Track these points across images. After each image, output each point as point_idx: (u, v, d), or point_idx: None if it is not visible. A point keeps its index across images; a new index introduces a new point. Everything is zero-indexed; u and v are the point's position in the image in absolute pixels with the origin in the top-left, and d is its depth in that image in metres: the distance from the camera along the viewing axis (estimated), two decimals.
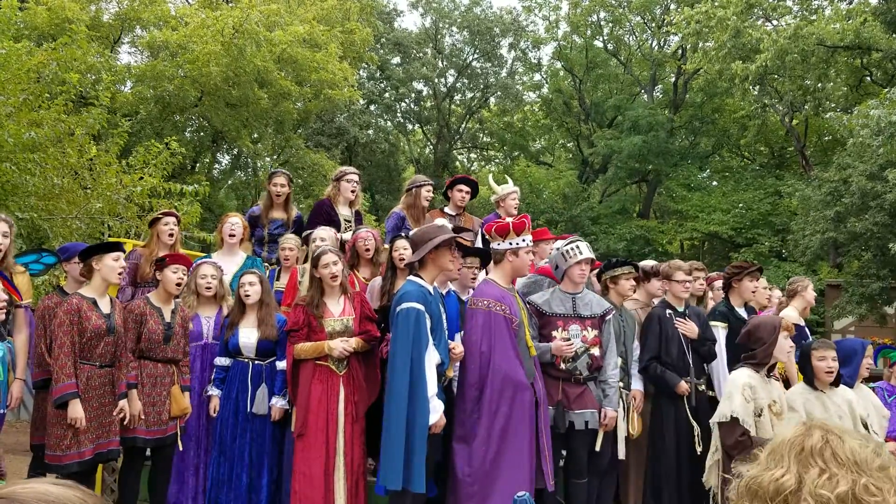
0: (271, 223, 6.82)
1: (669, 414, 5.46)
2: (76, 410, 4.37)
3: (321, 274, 4.95)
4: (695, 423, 5.38)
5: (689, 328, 5.61)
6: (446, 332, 4.65)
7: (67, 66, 9.94)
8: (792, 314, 6.21)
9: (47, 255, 5.66)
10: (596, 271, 6.05)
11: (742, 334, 4.66)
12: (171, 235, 5.93)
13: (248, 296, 5.25)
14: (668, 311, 5.65)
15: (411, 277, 4.61)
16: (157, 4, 18.70)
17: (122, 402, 4.70)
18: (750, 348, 4.51)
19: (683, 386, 5.42)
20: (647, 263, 6.25)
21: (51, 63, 9.91)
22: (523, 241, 4.90)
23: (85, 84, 11.28)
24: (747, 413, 4.23)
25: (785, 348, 4.44)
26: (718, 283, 6.58)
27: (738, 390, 4.30)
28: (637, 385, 5.64)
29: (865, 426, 4.49)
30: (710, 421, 4.57)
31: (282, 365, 5.18)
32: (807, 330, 6.51)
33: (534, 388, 4.78)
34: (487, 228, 5.07)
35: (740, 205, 23.77)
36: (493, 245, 4.99)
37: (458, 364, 4.73)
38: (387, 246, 5.95)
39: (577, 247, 5.20)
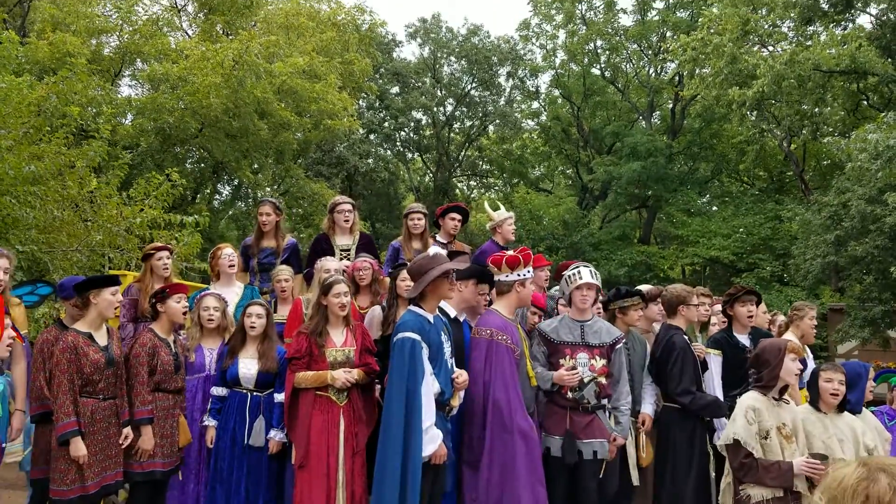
0: (261, 252, 6.80)
1: (691, 442, 5.39)
2: (78, 448, 4.37)
3: (329, 302, 4.94)
4: (710, 449, 5.35)
5: (702, 350, 5.66)
6: (450, 361, 4.62)
7: (68, 100, 10.00)
8: (793, 340, 6.16)
9: (42, 286, 5.65)
10: (601, 300, 6.04)
11: (751, 359, 4.63)
12: (165, 268, 5.93)
13: (252, 327, 5.22)
14: (685, 336, 5.63)
15: (411, 307, 4.61)
16: (157, 38, 18.87)
17: (126, 430, 4.67)
18: (757, 372, 4.47)
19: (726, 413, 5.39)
20: (645, 288, 6.22)
21: (51, 96, 9.97)
22: (528, 272, 4.98)
23: (86, 117, 11.32)
24: (749, 435, 4.22)
25: (793, 370, 4.40)
26: (717, 308, 6.54)
27: (741, 413, 4.31)
28: (648, 409, 5.57)
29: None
30: (717, 444, 4.55)
31: (280, 397, 5.15)
32: (807, 356, 6.45)
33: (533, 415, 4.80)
34: (496, 261, 5.06)
35: (741, 230, 23.77)
36: (501, 277, 5.00)
37: (462, 392, 4.69)
38: (385, 277, 5.95)
39: (579, 272, 5.17)
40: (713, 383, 5.74)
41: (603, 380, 5.06)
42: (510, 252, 5.08)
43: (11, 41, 9.29)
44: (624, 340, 5.31)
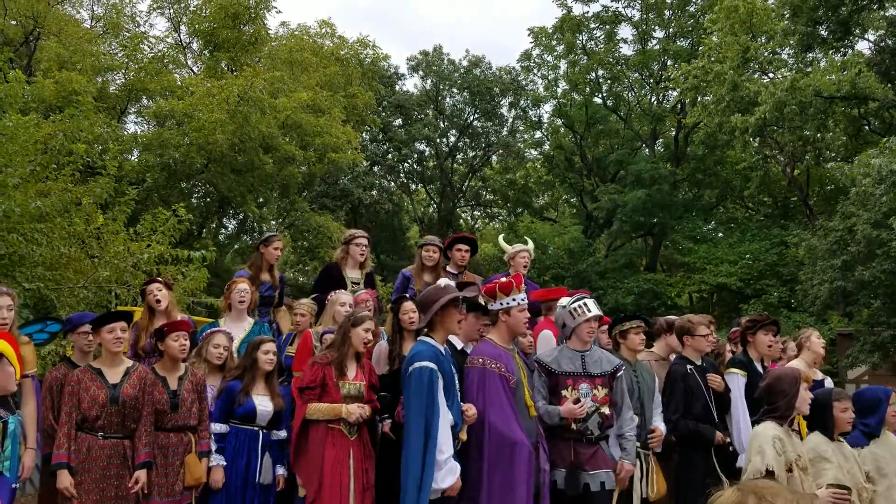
0: (261, 286, 6.78)
1: (699, 469, 5.33)
2: (62, 480, 4.42)
3: (356, 335, 4.92)
4: (724, 478, 5.27)
5: (720, 382, 5.59)
6: (459, 394, 4.59)
7: (74, 137, 10.10)
8: (801, 367, 6.12)
9: (52, 324, 5.66)
10: (605, 327, 6.03)
11: (761, 388, 4.55)
12: (158, 301, 5.83)
13: (271, 362, 5.20)
14: (689, 366, 5.58)
15: (422, 337, 4.59)
16: (163, 75, 19.08)
17: (137, 473, 4.62)
18: (771, 401, 4.40)
19: (719, 436, 5.33)
20: (669, 318, 6.22)
21: (58, 134, 10.06)
22: (513, 300, 4.86)
23: (92, 154, 11.42)
24: (780, 467, 4.09)
25: (807, 400, 4.34)
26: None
27: (768, 443, 4.14)
28: (659, 424, 5.50)
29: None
30: (743, 478, 4.44)
31: (280, 434, 5.16)
32: (827, 382, 6.42)
33: (537, 447, 4.72)
34: (485, 290, 5.05)
35: (747, 256, 23.71)
36: (489, 306, 4.97)
37: (468, 427, 4.64)
38: (390, 307, 5.94)
39: (585, 304, 5.14)
40: (738, 404, 5.68)
41: (606, 409, 5.01)
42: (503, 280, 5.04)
43: (18, 80, 9.39)
44: (623, 368, 5.26)
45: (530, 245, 7.18)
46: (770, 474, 4.08)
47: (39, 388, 5.13)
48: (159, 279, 6.16)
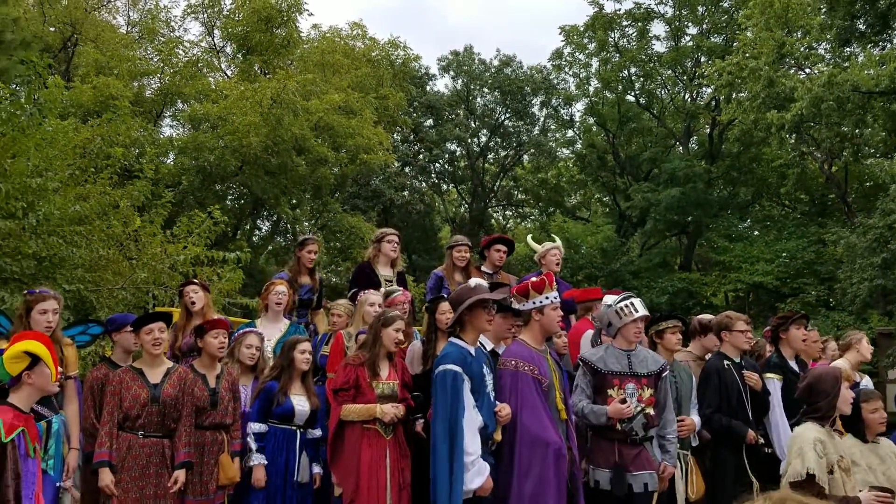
0: (300, 288, 6.84)
1: (730, 468, 5.27)
2: (104, 478, 4.49)
3: (388, 336, 4.94)
4: (753, 479, 5.19)
5: (757, 380, 5.52)
6: (492, 394, 4.57)
7: (112, 141, 10.25)
8: (845, 367, 6.01)
9: (94, 326, 5.76)
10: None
11: (801, 388, 4.46)
12: (193, 303, 5.95)
13: (307, 362, 5.26)
14: (727, 362, 5.51)
15: (452, 339, 4.60)
16: (197, 79, 19.34)
17: (177, 473, 4.69)
18: (812, 402, 4.31)
19: (752, 434, 5.26)
20: (705, 317, 6.15)
21: (96, 138, 10.23)
22: (546, 298, 4.85)
23: (129, 157, 11.60)
24: (822, 470, 4.01)
25: (848, 399, 4.25)
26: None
27: (809, 446, 4.06)
28: (695, 417, 5.44)
29: None
30: (783, 481, 4.36)
31: (315, 433, 5.22)
32: (866, 381, 6.31)
33: (568, 450, 4.70)
34: (516, 290, 5.03)
35: (784, 254, 23.33)
36: (519, 306, 4.96)
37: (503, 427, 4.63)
38: (425, 308, 5.94)
39: (633, 303, 5.11)
40: (776, 409, 5.61)
41: (651, 410, 4.97)
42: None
43: (57, 85, 9.56)
44: (668, 368, 5.21)
45: (558, 242, 7.18)
46: (811, 478, 4.00)
47: (81, 389, 5.22)
48: (196, 281, 6.25)
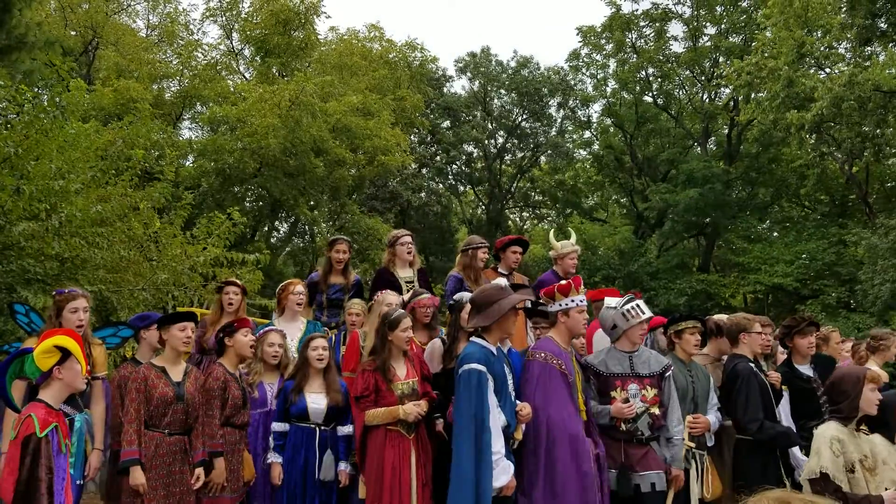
0: (330, 288, 6.86)
1: (765, 473, 5.21)
2: (136, 477, 4.47)
3: (397, 338, 4.95)
4: (787, 481, 5.16)
5: (777, 376, 5.50)
6: (513, 394, 4.59)
7: (133, 143, 10.33)
8: (875, 368, 5.96)
9: (124, 329, 5.82)
10: (659, 328, 5.99)
11: (826, 387, 4.45)
12: (230, 304, 6.03)
13: (321, 359, 5.27)
14: (752, 364, 5.47)
15: (474, 338, 4.61)
16: (216, 81, 19.49)
17: (199, 471, 4.72)
18: (835, 401, 4.29)
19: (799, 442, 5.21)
20: (721, 318, 6.10)
21: (117, 141, 10.33)
22: (572, 301, 4.91)
23: (149, 160, 11.70)
24: (837, 468, 4.01)
25: (873, 401, 4.21)
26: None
27: (825, 444, 4.09)
28: (711, 417, 5.40)
29: None
30: (800, 478, 4.35)
31: (345, 430, 5.20)
32: None
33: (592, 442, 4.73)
34: (545, 292, 5.08)
35: (804, 255, 23.14)
36: (547, 308, 5.02)
37: (524, 426, 4.64)
38: (448, 307, 5.94)
39: (639, 305, 5.13)
40: (781, 414, 5.58)
41: (656, 410, 4.97)
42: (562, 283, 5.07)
43: (79, 88, 9.66)
44: (672, 368, 5.20)
45: (573, 238, 7.18)
46: (824, 476, 4.00)
47: (110, 389, 5.28)
48: (238, 283, 6.32)
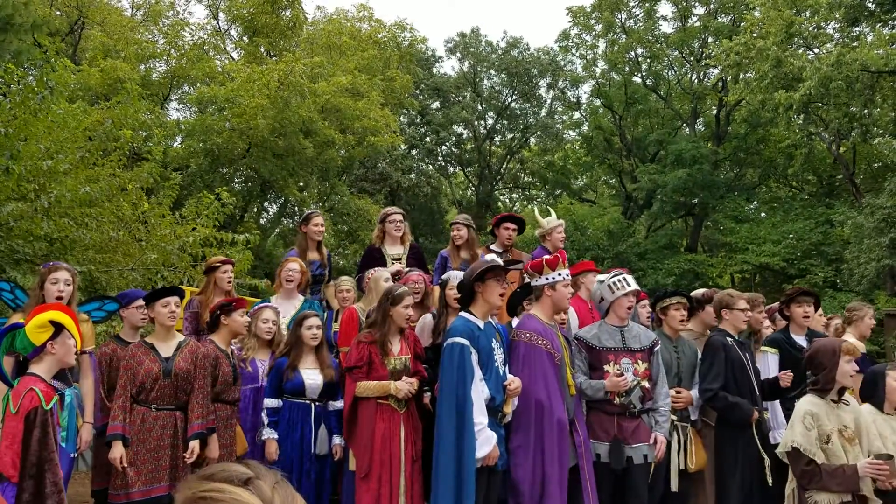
0: (310, 265, 6.86)
1: (737, 445, 5.31)
2: (114, 451, 4.55)
3: (397, 313, 4.99)
4: (765, 455, 5.25)
5: (789, 376, 5.58)
6: (502, 368, 4.66)
7: (121, 124, 10.30)
8: (852, 340, 6.05)
9: (109, 303, 5.85)
10: (644, 302, 6.09)
11: (805, 360, 4.53)
12: (229, 282, 6.09)
13: (314, 337, 5.32)
14: (729, 339, 5.55)
15: (462, 313, 4.68)
16: (204, 62, 19.35)
17: (193, 444, 4.76)
18: (813, 374, 4.38)
19: (756, 414, 5.30)
20: (700, 291, 6.21)
21: (105, 121, 10.29)
22: (559, 275, 4.97)
23: (137, 140, 11.65)
24: (809, 442, 4.12)
25: (848, 372, 4.28)
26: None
27: (798, 419, 4.20)
28: (693, 392, 5.50)
29: None
30: (776, 451, 4.45)
31: (337, 405, 5.28)
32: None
33: (574, 426, 4.85)
34: (525, 267, 5.11)
35: (791, 235, 23.27)
36: (532, 282, 5.06)
37: (516, 400, 4.71)
38: (435, 287, 6.00)
39: (625, 279, 5.24)
40: (773, 416, 5.72)
41: (646, 383, 5.08)
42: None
43: (66, 68, 9.60)
44: (660, 343, 5.29)
45: (553, 215, 7.24)
46: (795, 451, 4.10)
47: (96, 364, 5.32)
48: (231, 260, 6.35)
